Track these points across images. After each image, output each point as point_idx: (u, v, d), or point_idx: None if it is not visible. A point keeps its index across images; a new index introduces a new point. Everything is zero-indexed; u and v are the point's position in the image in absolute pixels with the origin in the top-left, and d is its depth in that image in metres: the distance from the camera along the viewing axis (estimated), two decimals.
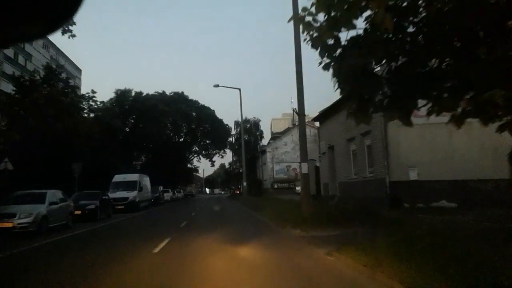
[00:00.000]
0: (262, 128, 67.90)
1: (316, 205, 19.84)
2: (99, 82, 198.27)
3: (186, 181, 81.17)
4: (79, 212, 18.23)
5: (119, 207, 25.43)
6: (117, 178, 27.70)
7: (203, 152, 69.67)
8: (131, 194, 26.16)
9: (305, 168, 13.03)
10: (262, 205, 22.57)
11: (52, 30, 1.31)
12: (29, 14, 1.20)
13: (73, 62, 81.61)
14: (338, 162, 22.42)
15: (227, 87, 38.33)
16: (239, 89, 37.73)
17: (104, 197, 21.07)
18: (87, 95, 46.03)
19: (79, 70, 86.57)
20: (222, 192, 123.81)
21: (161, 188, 40.78)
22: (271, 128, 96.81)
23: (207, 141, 68.09)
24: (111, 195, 25.86)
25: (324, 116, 24.48)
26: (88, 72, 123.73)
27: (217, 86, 37.53)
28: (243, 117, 64.76)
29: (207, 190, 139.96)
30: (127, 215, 23.05)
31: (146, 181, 30.78)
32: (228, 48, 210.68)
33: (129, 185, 26.94)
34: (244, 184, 37.48)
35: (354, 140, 20.03)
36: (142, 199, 27.60)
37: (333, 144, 23.16)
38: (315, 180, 28.92)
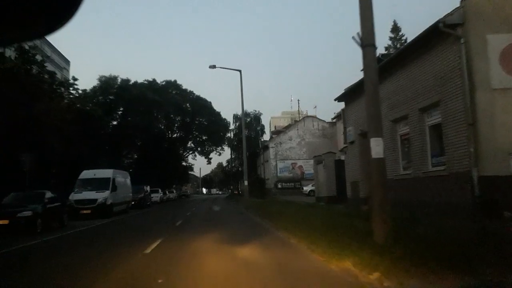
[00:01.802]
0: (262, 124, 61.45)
1: (348, 214, 14.01)
2: (90, 76, 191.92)
3: (181, 181, 75.19)
4: (5, 222, 12.35)
5: (85, 211, 19.66)
6: (85, 174, 21.77)
7: (198, 148, 63.80)
8: (101, 195, 20.24)
9: (378, 147, 7.04)
10: (274, 210, 16.72)
11: (52, 30, 1.30)
12: (29, 14, 1.19)
13: (60, 53, 75.68)
14: None
15: (225, 68, 32.42)
16: (240, 71, 31.83)
17: (53, 199, 15.12)
18: (67, 82, 40.57)
19: (67, 62, 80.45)
20: (220, 192, 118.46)
21: (147, 188, 34.84)
22: (270, 126, 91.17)
23: (203, 137, 62.16)
24: (75, 196, 20.08)
25: (352, 94, 18.58)
26: (78, 65, 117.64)
27: (213, 67, 31.68)
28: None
29: (204, 190, 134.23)
30: (92, 222, 17.18)
31: (124, 178, 24.88)
32: (227, 43, 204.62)
33: (100, 184, 21.04)
34: (245, 183, 31.58)
35: (406, 120, 14.14)
36: (117, 201, 21.67)
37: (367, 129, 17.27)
38: (336, 178, 23.10)
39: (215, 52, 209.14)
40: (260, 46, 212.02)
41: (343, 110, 20.24)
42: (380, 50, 28.24)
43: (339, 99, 20.04)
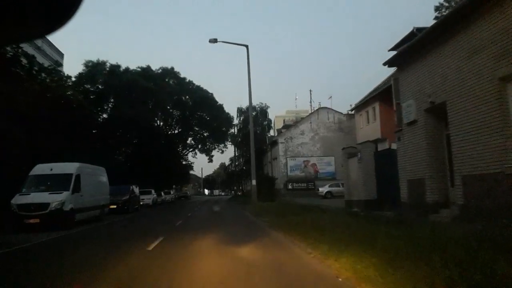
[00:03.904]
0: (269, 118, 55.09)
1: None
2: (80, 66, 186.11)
3: (181, 181, 69.48)
4: None
5: (32, 220, 14.02)
6: (38, 169, 16.01)
7: (199, 146, 58.03)
8: (56, 198, 14.51)
9: None
10: (301, 221, 11.01)
11: (52, 30, 1.29)
12: (29, 14, 1.17)
13: (53, 45, 70.21)
14: (462, 136, 10.74)
15: (229, 42, 26.66)
16: (246, 46, 26.11)
17: None
18: (52, 68, 35.23)
19: (61, 54, 75.05)
20: (223, 193, 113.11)
21: (135, 188, 29.12)
22: (274, 126, 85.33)
23: (205, 133, 56.40)
24: (20, 199, 14.42)
25: (416, 50, 12.83)
26: (74, 59, 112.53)
27: (214, 41, 25.98)
28: (247, 105, 54.08)
29: (206, 191, 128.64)
30: (30, 239, 11.57)
31: (98, 176, 19.15)
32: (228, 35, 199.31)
33: (58, 182, 15.34)
34: (253, 182, 25.83)
35: None
36: (82, 206, 15.95)
37: (442, 99, 11.52)
38: (376, 175, 17.38)
39: (217, 45, 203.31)
40: (263, 40, 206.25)
41: (394, 79, 14.46)
42: (429, 13, 22.45)
43: (390, 63, 14.26)
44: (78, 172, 16.11)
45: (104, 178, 19.95)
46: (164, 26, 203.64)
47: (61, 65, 39.79)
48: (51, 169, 15.81)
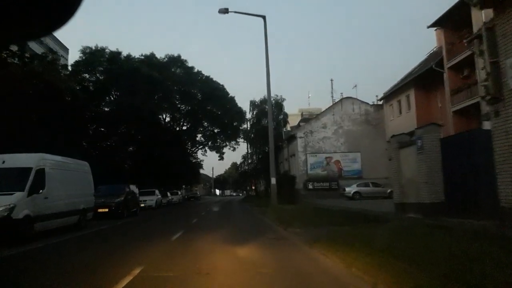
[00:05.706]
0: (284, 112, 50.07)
1: None
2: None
3: (190, 181, 65.37)
4: None
5: None
6: None
7: (209, 143, 53.88)
8: (1, 202, 10.31)
9: None
10: (374, 241, 6.53)
11: (52, 30, 1.28)
12: (30, 14, 1.16)
13: (57, 39, 66.80)
14: None
15: (243, 13, 22.25)
16: (264, 17, 21.71)
17: None
18: (43, 54, 31.47)
19: (66, 49, 71.61)
20: (234, 194, 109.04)
21: (134, 188, 24.92)
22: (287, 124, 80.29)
23: (215, 130, 52.23)
24: None
25: None
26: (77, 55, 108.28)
27: (225, 11, 21.66)
28: (261, 97, 49.71)
29: (217, 191, 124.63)
30: None
31: (73, 171, 14.73)
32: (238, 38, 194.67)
33: (10, 180, 11.14)
34: (273, 181, 21.41)
35: None
36: (45, 212, 11.68)
37: None
38: (443, 171, 12.87)
39: (224, 39, 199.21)
40: (270, 34, 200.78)
41: (487, 28, 9.86)
42: None
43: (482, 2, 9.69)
44: (40, 166, 11.86)
45: (87, 175, 15.68)
46: (166, 20, 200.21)
47: (56, 53, 35.77)
48: (3, 162, 11.60)
